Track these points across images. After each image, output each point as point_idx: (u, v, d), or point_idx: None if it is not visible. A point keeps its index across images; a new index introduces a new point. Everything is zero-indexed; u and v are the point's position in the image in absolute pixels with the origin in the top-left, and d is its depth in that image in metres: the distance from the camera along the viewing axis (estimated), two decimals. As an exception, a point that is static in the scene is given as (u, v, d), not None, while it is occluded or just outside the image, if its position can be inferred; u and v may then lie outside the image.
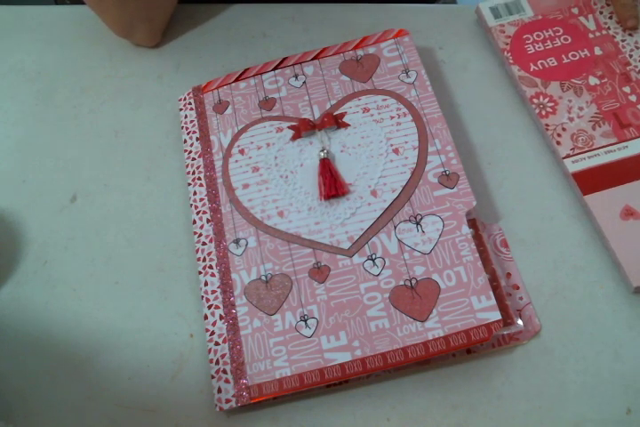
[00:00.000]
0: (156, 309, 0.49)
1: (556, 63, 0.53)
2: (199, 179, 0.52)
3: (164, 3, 0.58)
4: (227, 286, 0.47)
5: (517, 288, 0.46)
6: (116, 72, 0.61)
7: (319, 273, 0.46)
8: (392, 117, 0.51)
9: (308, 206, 0.49)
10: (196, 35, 0.62)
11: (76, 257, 0.52)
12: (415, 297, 0.44)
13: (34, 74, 0.62)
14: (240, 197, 0.50)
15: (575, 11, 0.56)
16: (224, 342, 0.46)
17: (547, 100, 0.52)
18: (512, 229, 0.49)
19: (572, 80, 0.52)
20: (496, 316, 0.42)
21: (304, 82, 0.54)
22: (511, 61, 0.54)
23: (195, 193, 0.52)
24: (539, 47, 0.54)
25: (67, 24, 0.64)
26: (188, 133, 0.55)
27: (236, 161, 0.52)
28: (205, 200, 0.51)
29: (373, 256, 0.46)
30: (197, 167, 0.53)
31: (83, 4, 0.58)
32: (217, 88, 0.56)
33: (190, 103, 0.56)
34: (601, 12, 0.55)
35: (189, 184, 0.53)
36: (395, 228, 0.47)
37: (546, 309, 0.46)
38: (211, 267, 0.49)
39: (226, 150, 0.53)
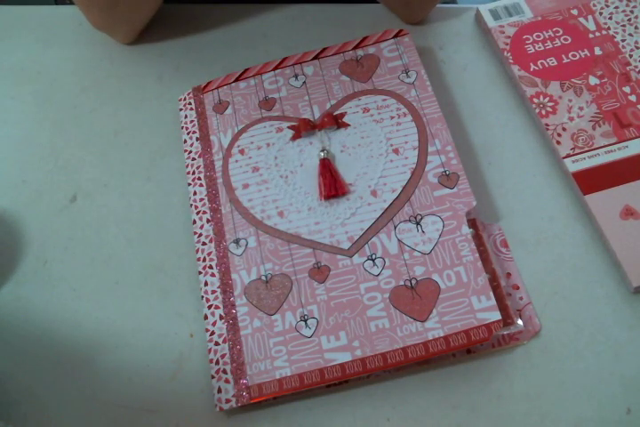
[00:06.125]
0: (156, 309, 0.49)
1: (556, 63, 0.53)
2: (199, 179, 0.52)
3: (147, 6, 0.58)
4: (227, 286, 0.47)
5: (517, 288, 0.46)
6: (115, 72, 0.61)
7: (319, 273, 0.46)
8: (392, 117, 0.51)
9: (308, 206, 0.49)
10: (196, 35, 0.62)
11: (76, 257, 0.52)
12: (415, 297, 0.44)
13: (34, 74, 0.62)
14: (240, 197, 0.50)
15: (575, 12, 0.56)
16: (224, 342, 0.46)
17: (547, 99, 0.52)
18: (512, 229, 0.49)
19: (572, 80, 0.52)
20: (496, 316, 0.42)
21: (304, 82, 0.54)
22: (511, 61, 0.54)
23: (195, 193, 0.52)
24: (539, 47, 0.54)
25: (67, 24, 0.64)
26: (188, 133, 0.55)
27: (236, 161, 0.52)
28: (205, 200, 0.51)
29: (373, 256, 0.46)
30: (197, 167, 0.53)
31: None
32: (217, 88, 0.56)
33: (190, 103, 0.56)
34: (600, 13, 0.55)
35: (189, 184, 0.53)
36: (395, 228, 0.47)
37: (546, 309, 0.46)
38: (211, 267, 0.49)
39: (226, 150, 0.53)
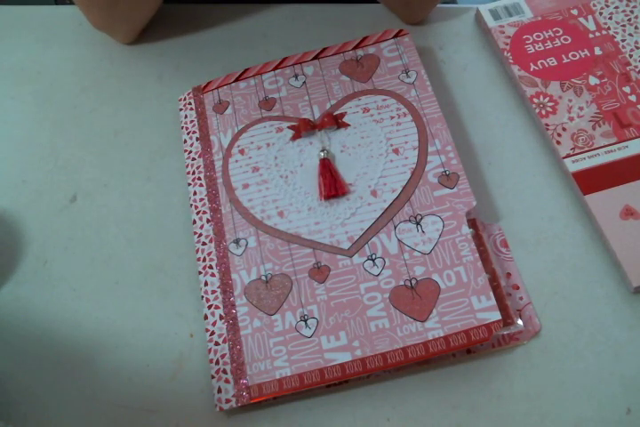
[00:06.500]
0: (156, 309, 0.49)
1: (556, 63, 0.53)
2: (199, 179, 0.52)
3: (147, 6, 0.58)
4: (227, 286, 0.47)
5: (517, 288, 0.46)
6: (116, 72, 0.61)
7: (319, 273, 0.46)
8: (392, 117, 0.51)
9: (308, 206, 0.49)
10: (196, 35, 0.62)
11: (76, 257, 0.52)
12: (415, 297, 0.44)
13: (34, 74, 0.62)
14: (240, 197, 0.50)
15: (575, 12, 0.56)
16: (224, 342, 0.46)
17: (547, 99, 0.52)
18: (512, 229, 0.49)
19: (572, 80, 0.52)
20: (496, 316, 0.42)
21: (304, 82, 0.54)
22: (511, 61, 0.54)
23: (195, 193, 0.52)
24: (539, 47, 0.54)
25: (67, 24, 0.64)
26: (188, 133, 0.55)
27: (236, 161, 0.52)
28: (205, 200, 0.51)
29: (373, 256, 0.46)
30: (197, 167, 0.53)
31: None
32: (217, 88, 0.56)
33: (190, 103, 0.56)
34: (600, 13, 0.55)
35: (189, 184, 0.53)
36: (395, 228, 0.47)
37: (546, 309, 0.46)
38: (211, 267, 0.49)
39: (226, 150, 0.53)
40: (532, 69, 0.53)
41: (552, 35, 0.55)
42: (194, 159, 0.54)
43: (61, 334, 0.49)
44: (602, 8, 0.55)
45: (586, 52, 0.54)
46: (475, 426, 0.43)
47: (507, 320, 0.44)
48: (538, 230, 0.49)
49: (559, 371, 0.44)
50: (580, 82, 0.52)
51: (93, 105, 0.60)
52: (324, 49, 0.56)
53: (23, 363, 0.48)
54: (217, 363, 0.45)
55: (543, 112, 0.51)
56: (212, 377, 0.45)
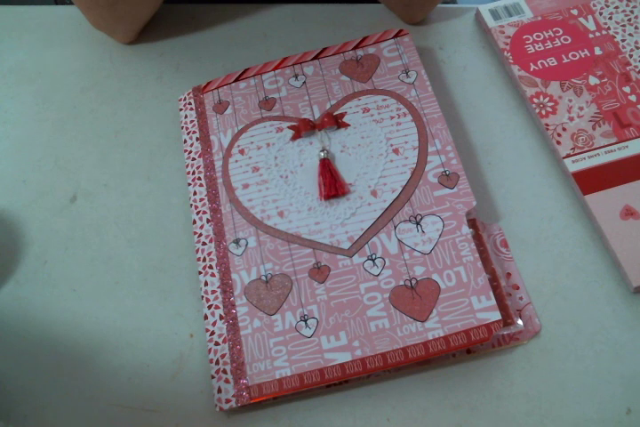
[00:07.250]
0: (156, 309, 0.49)
1: (556, 63, 0.53)
2: (199, 179, 0.52)
3: (147, 6, 0.58)
4: (227, 286, 0.47)
5: (517, 288, 0.46)
6: (115, 72, 0.61)
7: (319, 273, 0.46)
8: (392, 117, 0.51)
9: (308, 206, 0.49)
10: (196, 35, 0.62)
11: (76, 257, 0.52)
12: (415, 297, 0.44)
13: (34, 74, 0.62)
14: (240, 197, 0.50)
15: (575, 12, 0.56)
16: (224, 342, 0.46)
17: (547, 99, 0.52)
18: (512, 229, 0.49)
19: (572, 80, 0.52)
20: (496, 316, 0.42)
21: (304, 82, 0.54)
22: (511, 61, 0.54)
23: (195, 193, 0.52)
24: (539, 47, 0.54)
25: (67, 24, 0.64)
26: (187, 133, 0.55)
27: (236, 161, 0.52)
28: (205, 200, 0.51)
29: (373, 256, 0.46)
30: (197, 167, 0.53)
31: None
32: (217, 88, 0.56)
33: (190, 103, 0.56)
34: (600, 13, 0.55)
35: (189, 184, 0.53)
36: (395, 228, 0.47)
37: (546, 309, 0.46)
38: (211, 267, 0.49)
39: (226, 150, 0.53)
40: (531, 69, 0.53)
41: (552, 35, 0.55)
42: (194, 159, 0.54)
43: (61, 334, 0.49)
44: (602, 8, 0.55)
45: (586, 52, 0.54)
46: (475, 426, 0.43)
47: (507, 320, 0.44)
48: (538, 230, 0.49)
49: (559, 371, 0.44)
50: (580, 82, 0.52)
51: (93, 105, 0.60)
52: (324, 49, 0.56)
53: (23, 363, 0.48)
54: (217, 363, 0.45)
55: (543, 112, 0.51)
56: (212, 377, 0.45)
